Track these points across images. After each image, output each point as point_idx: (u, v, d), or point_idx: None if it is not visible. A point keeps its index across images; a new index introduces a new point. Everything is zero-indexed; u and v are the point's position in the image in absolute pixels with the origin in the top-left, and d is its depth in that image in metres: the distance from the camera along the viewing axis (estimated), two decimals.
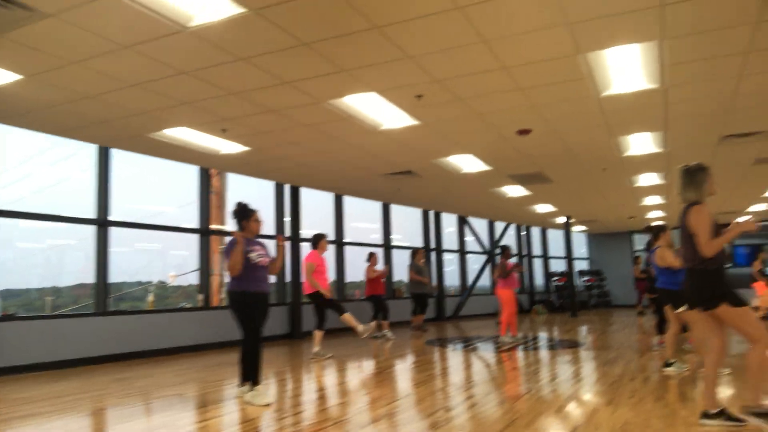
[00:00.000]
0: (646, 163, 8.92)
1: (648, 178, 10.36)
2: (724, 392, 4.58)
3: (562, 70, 5.09)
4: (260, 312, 4.80)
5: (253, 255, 4.75)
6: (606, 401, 4.51)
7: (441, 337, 10.36)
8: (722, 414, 3.49)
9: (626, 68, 5.09)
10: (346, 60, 4.78)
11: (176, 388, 5.65)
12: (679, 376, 5.39)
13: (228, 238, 4.90)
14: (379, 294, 10.17)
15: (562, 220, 16.18)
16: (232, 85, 5.33)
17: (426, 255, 11.64)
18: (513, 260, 11.50)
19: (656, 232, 6.33)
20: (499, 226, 17.67)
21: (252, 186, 10.60)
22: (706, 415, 3.54)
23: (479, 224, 17.25)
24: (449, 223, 16.20)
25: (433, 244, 14.96)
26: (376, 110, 6.13)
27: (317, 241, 7.83)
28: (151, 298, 10.05)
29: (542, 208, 14.15)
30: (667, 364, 5.76)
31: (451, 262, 16.29)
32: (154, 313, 8.71)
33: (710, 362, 3.61)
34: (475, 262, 16.76)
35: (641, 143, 7.70)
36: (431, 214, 15.03)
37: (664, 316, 7.29)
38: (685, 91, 5.66)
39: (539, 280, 19.64)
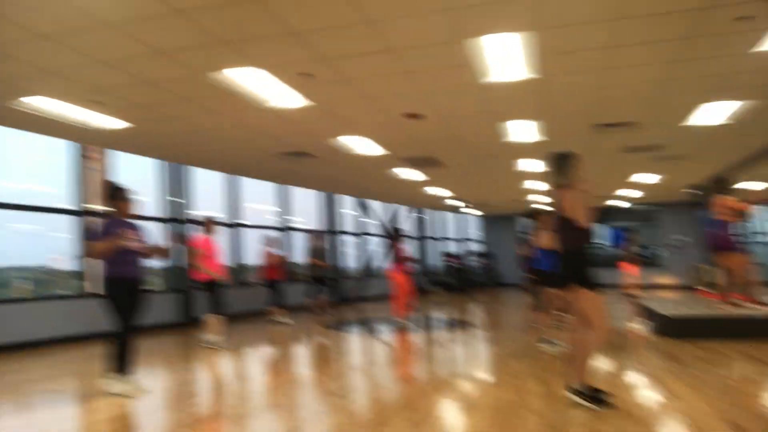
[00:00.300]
0: (527, 149, 9.44)
1: (530, 164, 10.98)
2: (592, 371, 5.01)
3: (444, 56, 5.23)
4: (135, 299, 4.58)
5: (124, 238, 4.49)
6: (488, 381, 4.77)
7: (339, 320, 10.44)
8: (584, 392, 3.69)
9: (506, 56, 5.33)
10: (224, 31, 4.60)
11: (48, 383, 5.27)
12: (557, 354, 5.78)
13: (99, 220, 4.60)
14: (276, 278, 10.04)
15: (457, 203, 16.80)
16: (101, 53, 4.96)
17: (324, 237, 11.65)
18: (407, 247, 11.76)
19: (536, 215, 6.75)
20: (399, 208, 18.03)
21: (140, 164, 10.01)
22: (572, 390, 3.77)
23: (380, 207, 17.49)
24: (350, 205, 16.30)
25: (333, 227, 14.98)
26: (264, 87, 5.97)
27: (206, 224, 7.58)
28: (22, 284, 9.27)
29: (438, 191, 14.59)
30: (545, 342, 6.18)
31: (353, 244, 16.42)
32: (25, 302, 8.04)
33: (576, 340, 3.86)
34: (375, 244, 17.00)
35: (522, 130, 8.12)
36: (331, 196, 15.02)
37: (543, 296, 7.82)
38: (559, 81, 6.03)
39: (437, 261, 20.32)
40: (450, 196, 15.65)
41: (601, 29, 4.72)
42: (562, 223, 3.80)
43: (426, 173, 11.66)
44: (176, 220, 10.48)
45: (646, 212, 19.46)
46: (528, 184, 13.70)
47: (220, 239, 8.04)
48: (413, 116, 7.27)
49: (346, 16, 4.39)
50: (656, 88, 6.32)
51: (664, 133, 8.60)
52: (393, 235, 9.40)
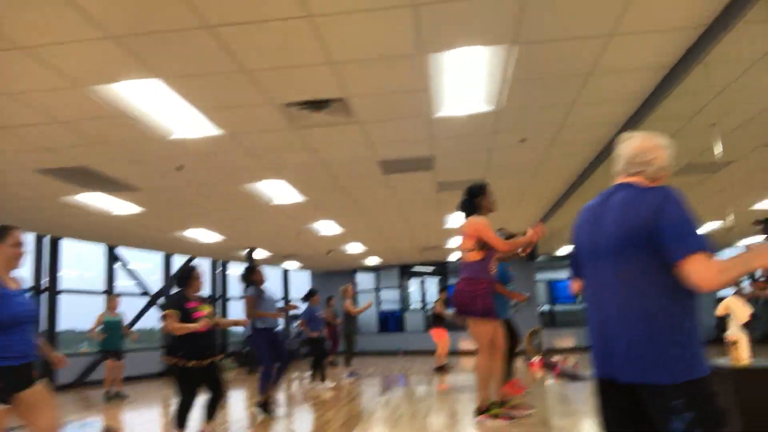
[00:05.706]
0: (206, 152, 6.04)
1: (277, 191, 7.63)
2: None
3: None
4: None
5: None
6: None
7: None
8: None
9: None
10: None
11: None
12: None
13: None
14: None
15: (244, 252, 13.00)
16: None
17: None
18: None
19: None
20: (180, 259, 13.92)
21: None
22: None
23: (152, 258, 13.37)
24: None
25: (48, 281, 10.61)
26: None
27: None
28: None
29: (198, 234, 10.76)
30: None
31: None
32: None
33: None
34: (131, 306, 12.55)
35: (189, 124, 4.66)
36: (46, 240, 10.68)
37: None
38: None
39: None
40: (226, 242, 11.85)
41: None
42: None
43: (122, 197, 7.72)
44: None
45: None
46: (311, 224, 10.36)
47: None
48: None
49: None
50: None
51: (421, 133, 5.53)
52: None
